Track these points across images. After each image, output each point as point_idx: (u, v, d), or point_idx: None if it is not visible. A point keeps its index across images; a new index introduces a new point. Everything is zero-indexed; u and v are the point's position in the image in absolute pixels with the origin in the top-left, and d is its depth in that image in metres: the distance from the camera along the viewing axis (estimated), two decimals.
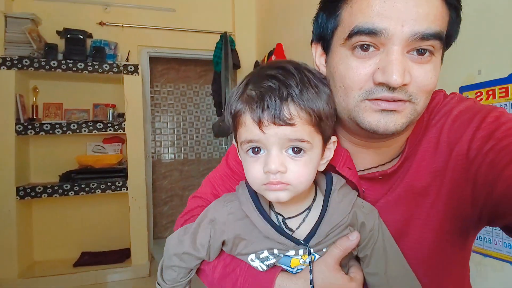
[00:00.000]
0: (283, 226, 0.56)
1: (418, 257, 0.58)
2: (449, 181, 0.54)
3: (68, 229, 2.97)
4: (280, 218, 0.57)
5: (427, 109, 0.56)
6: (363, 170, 0.62)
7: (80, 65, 2.72)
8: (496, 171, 0.48)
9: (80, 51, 2.79)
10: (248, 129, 0.51)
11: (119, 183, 2.79)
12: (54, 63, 2.65)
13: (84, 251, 2.98)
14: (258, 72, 0.54)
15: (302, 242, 0.54)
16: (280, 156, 0.50)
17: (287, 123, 0.49)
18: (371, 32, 0.48)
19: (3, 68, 2.52)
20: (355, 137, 0.60)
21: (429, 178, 0.56)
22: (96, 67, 2.77)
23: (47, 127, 2.65)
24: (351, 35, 0.50)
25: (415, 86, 0.50)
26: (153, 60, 3.64)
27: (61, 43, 2.80)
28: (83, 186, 2.71)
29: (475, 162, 0.51)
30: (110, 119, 2.91)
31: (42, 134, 2.64)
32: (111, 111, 2.94)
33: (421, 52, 0.49)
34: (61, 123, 2.70)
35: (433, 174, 0.56)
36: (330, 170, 0.59)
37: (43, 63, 2.62)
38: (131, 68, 2.88)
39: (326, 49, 0.58)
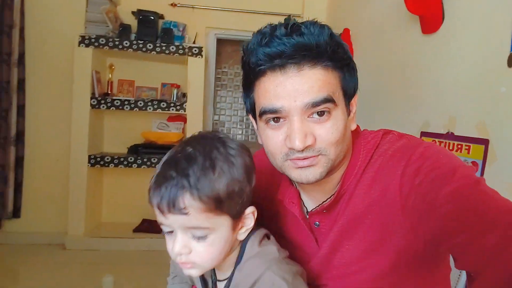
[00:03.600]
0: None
1: None
2: (385, 215, 0.62)
3: (132, 197, 3.23)
4: (214, 278, 0.66)
5: (367, 149, 0.67)
6: (316, 207, 0.71)
7: (149, 46, 2.87)
8: (427, 203, 0.56)
9: (151, 32, 2.93)
10: (156, 212, 0.57)
11: None
12: (126, 43, 2.83)
13: (144, 218, 3.23)
14: (173, 152, 0.61)
15: None
16: (183, 239, 0.56)
17: (182, 212, 0.54)
18: (273, 111, 0.61)
19: (82, 45, 2.76)
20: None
21: (366, 208, 0.64)
22: (164, 48, 2.89)
23: (117, 102, 2.88)
24: (260, 114, 0.63)
25: (321, 142, 0.61)
26: (222, 42, 3.68)
27: (135, 24, 2.97)
28: (145, 160, 2.90)
29: (409, 196, 0.59)
30: (174, 99, 3.04)
31: (113, 109, 2.88)
32: (175, 91, 3.06)
33: (319, 113, 0.60)
34: (130, 100, 2.90)
35: (369, 206, 0.63)
36: (280, 204, 0.74)
37: (117, 43, 2.82)
38: (195, 50, 2.94)
39: (256, 121, 0.69)
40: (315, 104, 0.59)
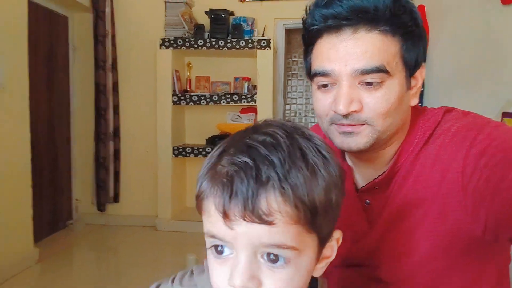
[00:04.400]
0: None
1: (427, 277, 0.61)
2: (444, 197, 0.58)
3: None
4: None
5: (428, 126, 0.63)
6: (367, 184, 0.68)
7: (221, 43, 3.04)
8: (492, 185, 0.52)
9: (222, 29, 3.10)
10: (212, 220, 0.38)
11: None
12: (201, 42, 3.04)
13: None
14: (240, 135, 0.42)
15: None
16: (252, 266, 0.37)
17: (263, 220, 0.35)
18: (324, 74, 0.60)
19: (163, 48, 3.05)
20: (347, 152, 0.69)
21: (424, 189, 0.60)
22: (234, 43, 3.04)
23: (195, 98, 3.12)
24: (312, 77, 0.63)
25: (368, 111, 0.59)
26: (292, 31, 3.71)
27: (208, 22, 3.16)
28: None
29: (472, 177, 0.55)
30: (246, 91, 3.19)
31: (191, 104, 3.13)
32: (246, 84, 3.20)
33: (369, 83, 0.58)
34: (206, 95, 3.12)
35: (428, 187, 0.60)
36: None
37: (192, 42, 3.04)
38: (263, 42, 3.03)
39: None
40: (365, 72, 0.57)
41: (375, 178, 0.65)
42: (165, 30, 3.13)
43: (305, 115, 4.22)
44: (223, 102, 3.10)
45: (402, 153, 0.63)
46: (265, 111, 3.08)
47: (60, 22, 3.13)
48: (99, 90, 3.10)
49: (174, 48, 3.05)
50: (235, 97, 3.08)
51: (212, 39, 3.04)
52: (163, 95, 3.10)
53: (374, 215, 0.66)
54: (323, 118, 0.63)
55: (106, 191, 3.17)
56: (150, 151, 3.26)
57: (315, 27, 0.60)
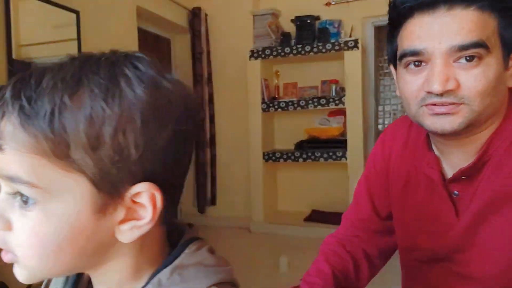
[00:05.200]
0: None
1: None
2: None
3: (302, 189, 3.52)
4: None
5: None
6: (454, 174, 0.65)
7: (307, 48, 3.07)
8: None
9: (308, 35, 3.13)
10: None
11: (339, 153, 3.04)
12: (287, 50, 3.13)
13: (314, 209, 3.47)
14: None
15: None
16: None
17: None
18: (414, 53, 0.58)
19: (252, 59, 3.22)
20: (435, 137, 0.66)
21: None
22: (320, 47, 3.04)
23: (283, 104, 3.21)
24: (401, 58, 0.61)
25: (466, 90, 0.55)
26: (382, 29, 3.55)
27: (294, 29, 3.23)
28: (309, 154, 3.13)
29: None
30: (333, 94, 3.15)
31: (279, 110, 3.23)
32: (334, 86, 3.17)
33: (468, 59, 0.55)
34: (293, 100, 3.18)
35: None
36: (412, 173, 0.68)
37: (279, 51, 3.15)
38: (351, 43, 2.97)
39: (396, 69, 0.67)
40: (463, 48, 0.54)
41: (463, 167, 0.62)
42: (254, 42, 3.30)
43: (401, 115, 3.97)
44: (311, 106, 3.12)
45: (495, 140, 0.60)
46: (354, 113, 3.01)
47: (164, 44, 3.55)
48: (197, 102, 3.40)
49: (263, 58, 3.20)
50: (323, 101, 3.08)
51: (298, 46, 3.10)
52: (253, 103, 3.26)
53: (462, 207, 0.64)
54: (411, 101, 0.61)
55: (204, 194, 3.46)
56: (242, 156, 3.44)
57: (407, 4, 0.58)
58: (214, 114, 3.51)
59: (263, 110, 3.25)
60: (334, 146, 3.11)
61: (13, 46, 1.88)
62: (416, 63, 0.59)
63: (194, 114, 0.38)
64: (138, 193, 0.34)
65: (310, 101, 3.12)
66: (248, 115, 3.31)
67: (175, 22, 3.31)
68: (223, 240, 3.24)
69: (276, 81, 3.49)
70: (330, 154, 3.07)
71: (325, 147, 3.12)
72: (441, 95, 0.56)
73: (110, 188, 0.33)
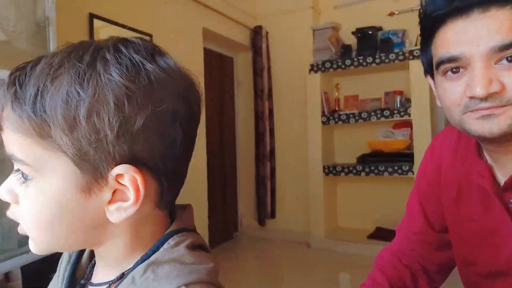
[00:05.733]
0: None
1: None
2: None
3: (364, 204, 3.38)
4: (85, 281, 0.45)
5: None
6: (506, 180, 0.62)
7: (369, 59, 3.01)
8: None
9: (370, 46, 3.07)
10: None
11: (405, 167, 2.88)
12: (348, 62, 3.09)
13: (378, 226, 3.30)
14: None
15: None
16: (11, 178, 0.37)
17: None
18: (451, 60, 0.57)
19: (312, 72, 3.23)
20: (484, 144, 0.63)
21: None
22: (383, 58, 2.96)
23: (343, 117, 3.16)
24: (438, 66, 0.60)
25: (511, 91, 0.53)
26: None
27: (355, 41, 3.20)
28: (372, 168, 3.01)
29: None
30: (398, 105, 3.03)
31: (340, 123, 3.18)
32: (398, 97, 3.05)
33: (510, 59, 0.53)
34: (354, 113, 3.12)
35: None
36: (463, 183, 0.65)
37: (339, 63, 3.13)
38: (416, 52, 2.85)
39: (434, 79, 0.65)
40: (504, 47, 0.53)
41: None
42: (314, 56, 3.32)
43: None
44: (373, 118, 3.02)
45: None
46: (421, 125, 2.85)
47: (227, 62, 3.72)
48: (258, 116, 3.50)
49: (322, 71, 3.20)
50: (386, 112, 2.97)
51: (359, 57, 3.05)
52: (313, 116, 3.25)
53: None
54: (453, 109, 0.59)
55: (264, 207, 3.49)
56: (301, 170, 3.42)
57: (439, 12, 0.58)
58: (273, 128, 3.57)
59: (323, 123, 3.23)
60: (400, 159, 2.96)
61: None
62: (454, 69, 0.57)
63: (188, 95, 0.38)
64: (121, 175, 0.35)
65: (373, 113, 3.03)
66: (307, 129, 3.31)
67: (237, 41, 3.47)
68: (282, 254, 3.22)
69: (337, 94, 3.45)
70: (396, 168, 2.92)
71: (389, 161, 2.99)
72: (485, 99, 0.54)
73: (91, 169, 0.34)
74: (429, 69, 0.65)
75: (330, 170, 3.19)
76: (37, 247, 0.38)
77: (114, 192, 0.36)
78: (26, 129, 0.34)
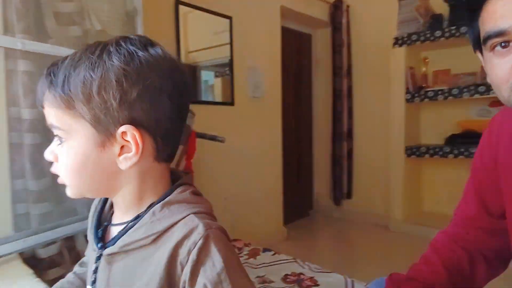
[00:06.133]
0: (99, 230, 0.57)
1: None
2: None
3: (452, 188, 3.12)
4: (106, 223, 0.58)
5: None
6: None
7: (463, 29, 2.70)
8: None
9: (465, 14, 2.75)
10: None
11: None
12: (438, 33, 2.82)
13: None
14: None
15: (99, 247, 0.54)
16: (54, 142, 0.52)
17: (41, 104, 0.50)
18: (499, 34, 0.54)
19: (396, 46, 3.02)
20: None
21: None
22: None
23: (430, 94, 2.91)
24: (485, 41, 0.57)
25: None
26: None
27: (447, 11, 2.89)
28: (462, 150, 2.76)
29: None
30: None
31: (426, 100, 2.94)
32: None
33: None
34: (443, 89, 2.85)
35: None
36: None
37: (428, 35, 2.87)
38: None
39: (482, 54, 0.62)
40: None
41: None
42: (398, 29, 3.09)
43: None
44: (466, 95, 2.74)
45: None
46: None
47: (305, 39, 3.67)
48: (336, 95, 3.42)
49: (408, 44, 2.97)
50: (482, 88, 2.66)
51: (451, 28, 2.76)
52: (396, 94, 3.07)
53: None
54: (502, 86, 0.56)
55: (340, 187, 3.44)
56: (382, 150, 3.29)
57: None
58: (352, 106, 3.45)
59: (407, 100, 3.03)
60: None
61: (183, 52, 2.28)
62: (503, 43, 0.54)
63: (173, 75, 0.49)
64: (124, 133, 0.47)
65: (466, 89, 2.74)
66: (390, 107, 3.14)
67: (316, 17, 3.39)
68: (358, 235, 3.17)
69: (424, 68, 3.18)
70: None
71: None
72: None
73: (103, 129, 0.47)
74: (477, 45, 0.62)
75: (414, 151, 3.00)
76: (72, 191, 0.51)
77: (122, 147, 0.48)
78: (58, 104, 0.47)
